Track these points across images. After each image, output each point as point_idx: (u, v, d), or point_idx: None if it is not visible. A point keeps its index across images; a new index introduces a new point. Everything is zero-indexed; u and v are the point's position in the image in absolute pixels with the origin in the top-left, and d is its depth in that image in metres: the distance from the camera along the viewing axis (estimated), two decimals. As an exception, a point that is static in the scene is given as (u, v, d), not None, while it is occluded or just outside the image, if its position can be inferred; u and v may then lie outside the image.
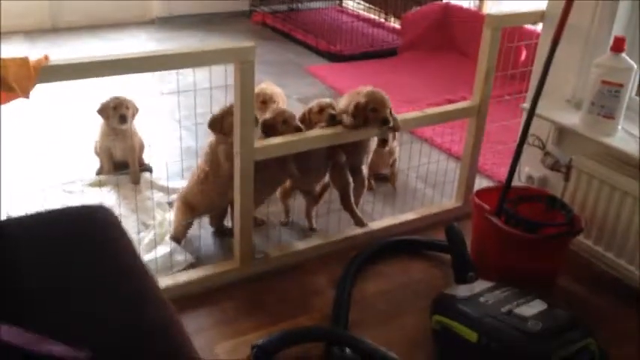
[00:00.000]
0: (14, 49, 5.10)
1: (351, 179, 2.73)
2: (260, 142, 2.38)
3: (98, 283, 1.36)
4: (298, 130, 2.47)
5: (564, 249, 2.47)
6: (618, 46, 2.38)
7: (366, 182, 2.87)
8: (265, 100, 2.77)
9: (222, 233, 2.82)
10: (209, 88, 2.34)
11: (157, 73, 2.35)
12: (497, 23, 2.68)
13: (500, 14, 2.69)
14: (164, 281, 2.41)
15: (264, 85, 3.13)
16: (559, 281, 2.53)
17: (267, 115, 2.55)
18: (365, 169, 2.82)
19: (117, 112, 3.01)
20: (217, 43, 2.31)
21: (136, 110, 3.13)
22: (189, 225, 2.71)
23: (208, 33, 5.91)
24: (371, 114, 2.52)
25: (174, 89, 2.37)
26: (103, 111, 3.05)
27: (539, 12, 2.76)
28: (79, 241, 1.48)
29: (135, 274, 1.42)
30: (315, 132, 2.49)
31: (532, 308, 2.01)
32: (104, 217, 1.61)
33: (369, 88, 2.59)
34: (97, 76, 2.07)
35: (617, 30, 2.56)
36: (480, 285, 2.20)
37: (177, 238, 2.68)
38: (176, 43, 5.59)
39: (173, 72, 2.38)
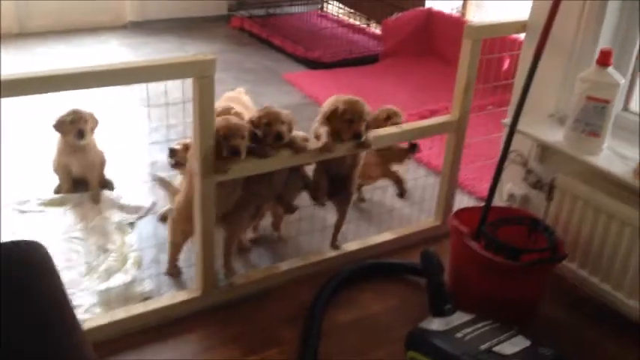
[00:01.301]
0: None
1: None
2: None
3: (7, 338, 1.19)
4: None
5: (547, 276, 2.32)
6: (604, 59, 2.24)
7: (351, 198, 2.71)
8: (227, 135, 2.30)
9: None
10: (182, 102, 2.16)
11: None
12: (478, 34, 2.53)
13: (481, 25, 2.53)
14: (118, 313, 2.23)
15: (232, 94, 2.97)
16: (542, 307, 2.38)
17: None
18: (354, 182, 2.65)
19: (74, 127, 2.83)
20: (174, 57, 2.10)
21: (95, 123, 2.94)
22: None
23: (183, 38, 5.73)
24: (345, 125, 2.36)
25: (144, 98, 2.19)
26: (60, 126, 2.86)
27: (522, 22, 2.61)
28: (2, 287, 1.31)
29: (55, 329, 1.25)
30: (284, 153, 2.31)
31: (514, 346, 1.86)
32: (34, 255, 1.43)
33: (345, 98, 2.42)
34: (37, 93, 1.88)
35: (604, 42, 2.42)
36: (458, 318, 2.04)
37: (175, 272, 2.52)
38: (148, 49, 5.40)
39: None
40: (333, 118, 2.37)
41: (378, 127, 2.56)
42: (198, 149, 2.12)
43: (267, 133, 2.26)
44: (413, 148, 2.83)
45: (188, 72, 2.02)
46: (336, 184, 2.57)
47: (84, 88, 1.92)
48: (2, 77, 1.76)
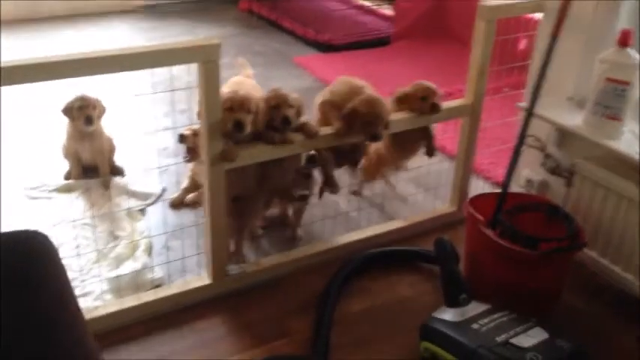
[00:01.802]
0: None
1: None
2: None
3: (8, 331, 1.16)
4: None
5: (567, 265, 2.25)
6: (625, 39, 2.15)
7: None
8: (233, 108, 2.19)
9: None
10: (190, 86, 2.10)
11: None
12: (492, 15, 2.45)
13: (495, 4, 2.44)
14: (128, 301, 2.21)
15: (238, 79, 2.91)
16: (562, 296, 2.31)
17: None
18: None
19: (82, 113, 2.79)
20: (178, 42, 2.03)
21: (103, 110, 2.90)
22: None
23: (193, 22, 5.66)
24: (364, 126, 2.28)
25: (155, 82, 2.13)
26: (68, 112, 2.83)
27: (538, 1, 2.52)
28: (3, 278, 1.27)
29: (55, 321, 1.21)
30: (295, 136, 2.26)
31: (531, 338, 1.80)
32: (36, 246, 1.39)
33: (365, 98, 2.32)
34: (42, 80, 1.83)
35: (624, 22, 2.32)
36: (474, 308, 1.99)
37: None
38: (157, 33, 5.35)
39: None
40: (351, 120, 2.28)
41: (412, 106, 2.48)
42: (205, 135, 2.07)
43: (275, 116, 2.20)
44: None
45: (193, 57, 1.97)
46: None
47: (87, 75, 1.88)
48: (3, 64, 1.71)
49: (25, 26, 5.28)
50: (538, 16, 2.62)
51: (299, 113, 2.26)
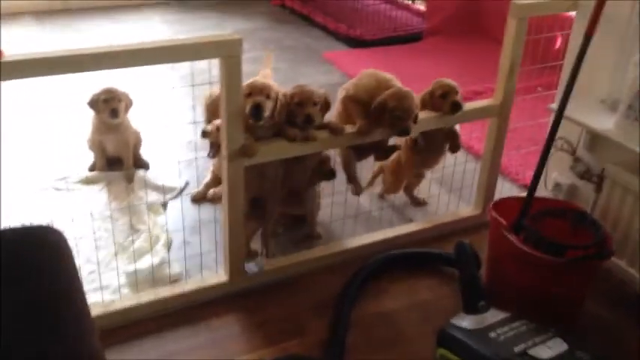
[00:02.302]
0: (23, 31, 4.95)
1: None
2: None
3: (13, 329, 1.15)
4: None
5: (592, 274, 2.17)
6: (662, 41, 2.06)
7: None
8: (252, 93, 2.13)
9: None
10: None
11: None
12: (524, 12, 2.37)
13: (527, 2, 2.36)
14: (145, 296, 2.21)
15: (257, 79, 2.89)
16: (586, 306, 2.24)
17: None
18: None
19: (108, 106, 2.80)
20: (200, 36, 2.01)
21: (129, 103, 2.91)
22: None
23: (224, 15, 5.67)
24: (393, 120, 2.22)
25: (184, 75, 2.12)
26: (94, 104, 2.84)
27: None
28: (10, 272, 1.27)
29: (60, 317, 1.21)
30: (320, 134, 2.22)
31: (550, 349, 1.74)
32: (47, 241, 1.39)
33: (394, 91, 2.25)
34: (63, 72, 1.82)
35: (662, 22, 2.23)
36: (493, 316, 1.93)
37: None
38: (187, 26, 5.37)
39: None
40: (378, 113, 2.23)
41: (433, 106, 2.41)
42: (225, 130, 2.05)
43: (298, 113, 2.16)
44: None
45: (214, 52, 1.94)
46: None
47: (110, 68, 1.88)
48: (20, 58, 1.72)
49: (60, 17, 5.35)
50: (574, 14, 2.53)
51: (325, 110, 2.22)
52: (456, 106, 2.39)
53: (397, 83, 2.32)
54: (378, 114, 2.23)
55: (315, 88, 2.23)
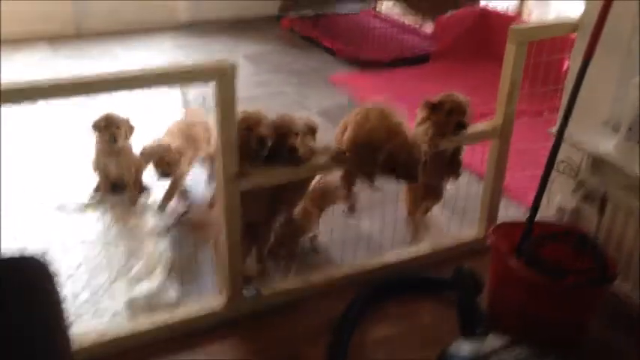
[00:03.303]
0: (37, 57, 5.03)
1: None
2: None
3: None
4: None
5: (595, 298, 2.13)
6: (661, 62, 2.04)
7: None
8: (250, 127, 2.15)
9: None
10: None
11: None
12: (523, 37, 2.37)
13: (526, 27, 2.37)
14: (142, 323, 2.20)
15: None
16: (592, 329, 2.19)
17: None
18: None
19: (107, 132, 2.83)
20: (194, 62, 2.03)
21: (130, 129, 2.93)
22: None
23: (235, 39, 5.71)
24: (401, 170, 2.16)
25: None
26: (96, 127, 2.87)
27: (573, 22, 2.42)
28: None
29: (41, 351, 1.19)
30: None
31: (548, 377, 1.69)
32: (34, 272, 1.38)
33: (392, 121, 2.20)
34: (61, 97, 1.85)
35: (663, 43, 2.21)
36: (491, 342, 1.88)
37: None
38: (201, 50, 5.41)
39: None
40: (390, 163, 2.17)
41: (437, 119, 2.35)
42: (220, 154, 2.05)
43: (280, 146, 2.15)
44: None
45: (208, 77, 1.95)
46: None
47: (106, 93, 1.89)
48: (16, 85, 1.75)
49: (73, 43, 5.42)
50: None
51: (311, 135, 2.22)
52: (460, 127, 2.35)
53: (405, 128, 2.21)
54: (386, 165, 2.17)
55: (295, 117, 2.22)
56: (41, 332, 1.23)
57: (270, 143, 2.14)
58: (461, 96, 2.42)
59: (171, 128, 2.93)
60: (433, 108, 2.40)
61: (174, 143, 2.79)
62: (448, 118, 2.36)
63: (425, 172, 2.28)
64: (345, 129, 2.29)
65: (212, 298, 2.34)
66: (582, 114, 2.29)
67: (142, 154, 2.81)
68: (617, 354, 2.17)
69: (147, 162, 2.85)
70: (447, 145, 2.46)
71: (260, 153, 2.14)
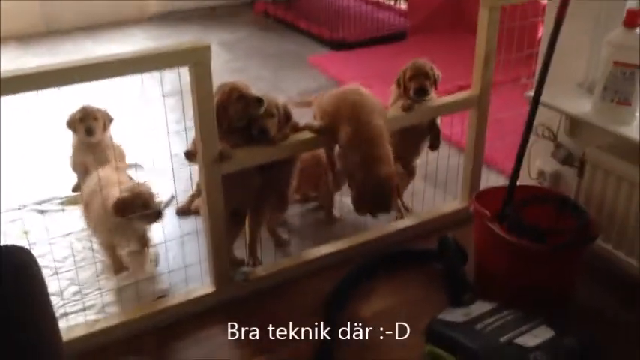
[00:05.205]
0: (7, 57, 4.95)
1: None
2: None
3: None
4: None
5: (578, 259, 2.15)
6: (631, 20, 2.05)
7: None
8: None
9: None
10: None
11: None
12: (495, 1, 2.36)
13: (498, -9, 2.36)
14: (132, 313, 2.19)
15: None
16: (576, 291, 2.22)
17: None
18: None
19: (83, 124, 2.78)
20: (166, 45, 2.01)
21: (108, 120, 2.89)
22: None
23: (208, 27, 5.67)
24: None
25: (171, 90, 2.12)
26: (71, 124, 2.82)
27: (543, -15, 2.43)
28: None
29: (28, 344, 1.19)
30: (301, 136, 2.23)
31: (536, 337, 1.72)
32: (18, 262, 1.37)
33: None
34: (34, 89, 1.82)
35: (634, 1, 2.21)
36: (479, 308, 1.92)
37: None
38: (173, 41, 5.34)
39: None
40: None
41: (403, 87, 2.38)
42: (199, 139, 2.04)
43: (253, 124, 2.16)
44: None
45: (182, 60, 1.93)
46: None
47: (79, 82, 1.86)
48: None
49: (44, 40, 5.35)
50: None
51: (285, 123, 2.22)
52: (419, 92, 2.34)
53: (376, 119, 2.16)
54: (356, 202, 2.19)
55: (275, 98, 2.23)
56: (32, 317, 1.24)
57: (264, 105, 2.14)
58: (423, 61, 2.43)
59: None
60: (398, 81, 2.43)
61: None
62: (410, 84, 2.37)
63: (395, 148, 2.25)
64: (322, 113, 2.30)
65: (200, 284, 2.33)
66: (557, 76, 2.30)
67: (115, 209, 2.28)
68: (602, 312, 2.20)
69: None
70: (425, 118, 2.47)
71: (256, 112, 2.14)
